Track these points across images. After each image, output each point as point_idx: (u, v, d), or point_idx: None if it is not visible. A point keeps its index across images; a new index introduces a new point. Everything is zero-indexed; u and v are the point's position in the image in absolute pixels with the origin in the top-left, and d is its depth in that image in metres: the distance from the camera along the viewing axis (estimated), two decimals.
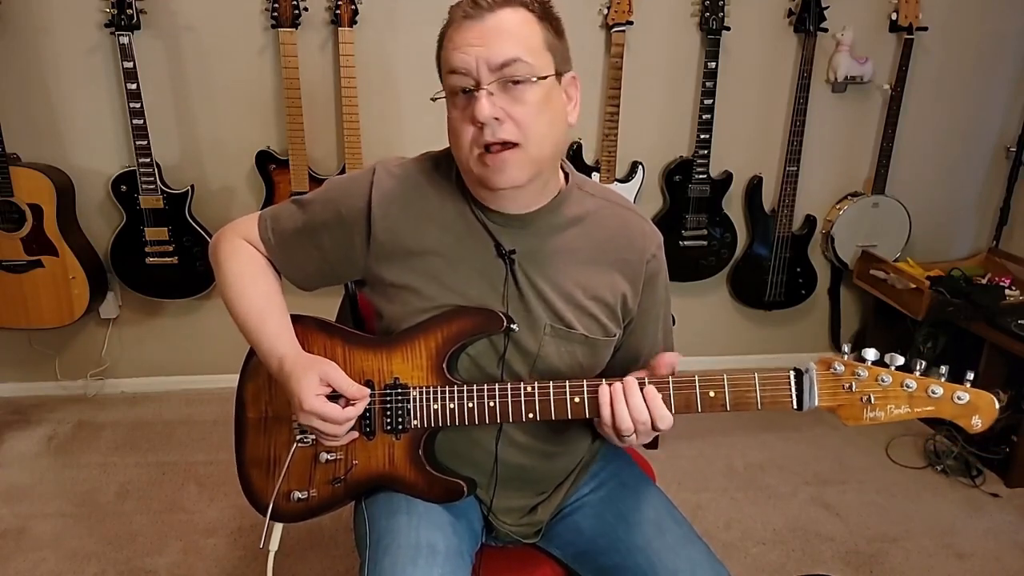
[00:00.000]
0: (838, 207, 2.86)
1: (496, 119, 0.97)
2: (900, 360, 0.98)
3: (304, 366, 1.07)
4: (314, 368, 1.06)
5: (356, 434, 1.11)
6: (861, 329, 3.10)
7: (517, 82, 0.97)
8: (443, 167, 1.13)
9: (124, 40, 2.30)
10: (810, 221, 2.86)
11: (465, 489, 1.13)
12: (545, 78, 0.99)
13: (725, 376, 1.01)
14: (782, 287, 2.89)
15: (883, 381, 0.98)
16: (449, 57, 0.99)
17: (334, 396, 1.07)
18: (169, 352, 2.83)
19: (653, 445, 2.43)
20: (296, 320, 1.16)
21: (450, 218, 1.10)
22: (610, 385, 1.03)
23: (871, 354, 0.99)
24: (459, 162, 1.05)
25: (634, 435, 1.02)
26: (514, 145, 0.99)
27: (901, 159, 2.84)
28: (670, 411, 1.01)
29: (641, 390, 1.02)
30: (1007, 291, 2.57)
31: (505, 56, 0.96)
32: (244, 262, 1.18)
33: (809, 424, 2.66)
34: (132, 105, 2.35)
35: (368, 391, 1.08)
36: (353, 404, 1.06)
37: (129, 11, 2.30)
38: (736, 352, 3.09)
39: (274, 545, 1.28)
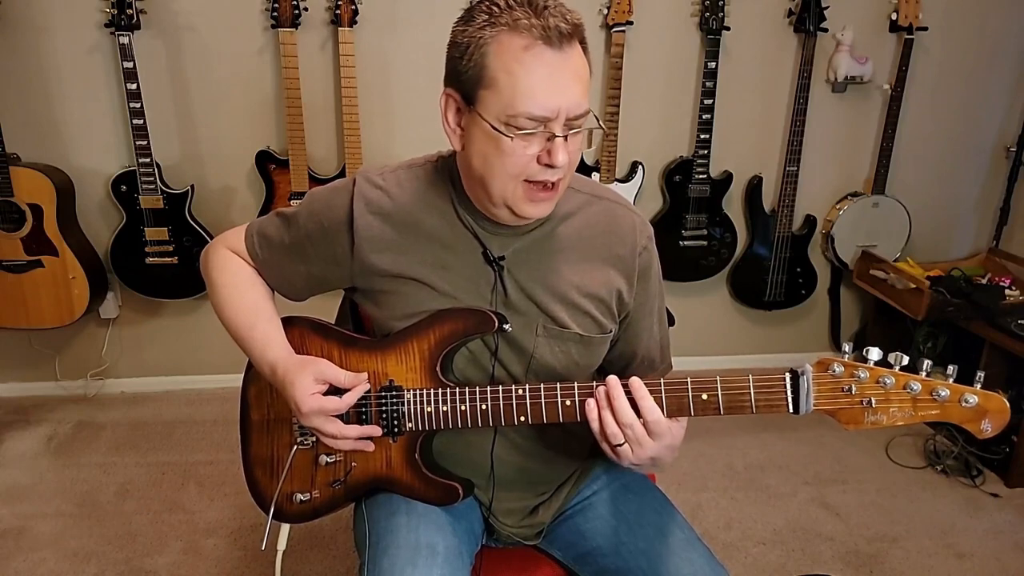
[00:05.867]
0: (838, 207, 2.86)
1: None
2: (905, 360, 0.92)
3: (296, 370, 1.07)
4: (306, 369, 1.06)
5: (371, 443, 1.10)
6: (861, 329, 3.10)
7: (574, 127, 0.97)
8: (431, 175, 1.12)
9: (124, 40, 2.30)
10: (810, 221, 2.87)
11: (461, 491, 1.13)
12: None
13: (719, 378, 0.97)
14: (782, 287, 2.89)
15: (885, 383, 0.93)
16: (527, 90, 0.92)
17: (335, 392, 1.07)
18: (169, 352, 2.83)
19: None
20: (290, 322, 1.17)
21: (437, 225, 1.09)
22: (596, 389, 1.00)
23: (875, 354, 0.93)
24: (490, 186, 0.99)
25: (627, 445, 0.98)
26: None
27: (901, 159, 2.84)
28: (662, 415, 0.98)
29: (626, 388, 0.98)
30: (1007, 291, 2.57)
31: (583, 109, 0.96)
32: (232, 272, 1.20)
33: (809, 424, 2.66)
34: (132, 105, 2.36)
35: (364, 375, 1.08)
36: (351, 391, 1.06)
37: (129, 11, 2.30)
38: (736, 352, 3.09)
39: (282, 545, 1.28)
